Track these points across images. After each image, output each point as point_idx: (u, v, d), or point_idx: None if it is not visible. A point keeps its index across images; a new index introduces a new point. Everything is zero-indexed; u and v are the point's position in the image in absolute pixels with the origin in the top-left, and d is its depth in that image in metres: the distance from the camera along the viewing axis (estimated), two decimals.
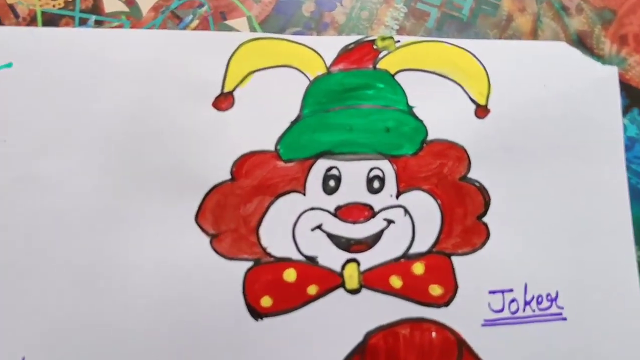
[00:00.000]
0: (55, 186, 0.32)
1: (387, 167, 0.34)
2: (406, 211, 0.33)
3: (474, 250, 0.33)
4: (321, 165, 0.34)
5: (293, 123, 0.34)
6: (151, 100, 0.34)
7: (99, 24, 0.35)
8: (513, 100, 0.35)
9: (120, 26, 0.35)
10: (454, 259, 0.33)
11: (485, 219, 0.34)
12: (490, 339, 0.32)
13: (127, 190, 0.33)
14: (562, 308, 0.33)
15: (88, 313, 0.31)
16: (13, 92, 0.34)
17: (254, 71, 0.35)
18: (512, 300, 0.33)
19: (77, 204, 0.32)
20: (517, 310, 0.33)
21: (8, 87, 0.34)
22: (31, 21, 0.35)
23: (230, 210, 0.33)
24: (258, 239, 0.33)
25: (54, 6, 0.35)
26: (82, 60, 0.34)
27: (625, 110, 0.36)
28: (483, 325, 0.32)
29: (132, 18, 0.35)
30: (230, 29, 0.36)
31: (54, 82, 0.34)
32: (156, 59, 0.34)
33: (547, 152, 0.34)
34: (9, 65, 0.34)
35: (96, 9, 0.35)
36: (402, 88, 0.35)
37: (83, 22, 0.35)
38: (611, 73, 0.36)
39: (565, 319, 0.33)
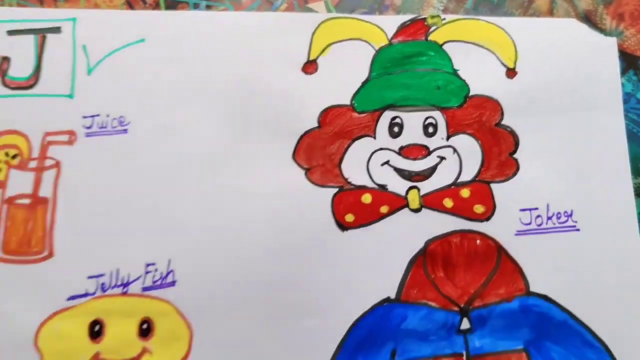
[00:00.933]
0: (184, 133, 0.42)
1: (438, 117, 0.43)
2: (454, 150, 0.43)
3: (507, 179, 0.42)
4: (387, 115, 0.43)
5: (364, 83, 0.43)
6: (254, 67, 0.43)
7: (209, 8, 0.45)
8: (534, 64, 0.44)
9: (225, 9, 0.45)
10: (492, 185, 0.42)
11: (515, 156, 0.43)
12: (521, 245, 0.41)
13: (240, 136, 0.41)
14: (575, 222, 0.42)
15: (214, 228, 0.41)
16: (146, 61, 0.43)
17: (332, 43, 0.44)
18: (538, 216, 0.42)
19: (203, 147, 0.41)
20: (541, 223, 0.41)
21: (142, 57, 0.43)
22: (156, 6, 0.45)
23: (318, 150, 0.42)
24: (341, 171, 0.42)
25: None
26: (198, 36, 0.44)
27: (623, 72, 0.45)
28: (516, 234, 0.41)
29: (235, 3, 0.45)
30: (311, 10, 0.45)
31: (177, 53, 0.43)
32: (256, 35, 0.43)
33: (562, 103, 0.43)
34: (143, 40, 0.43)
35: None
36: (448, 55, 0.44)
37: (196, 7, 0.45)
38: (611, 43, 0.45)
39: (578, 229, 0.42)
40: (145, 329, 0.39)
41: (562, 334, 0.39)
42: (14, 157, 0.40)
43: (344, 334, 0.38)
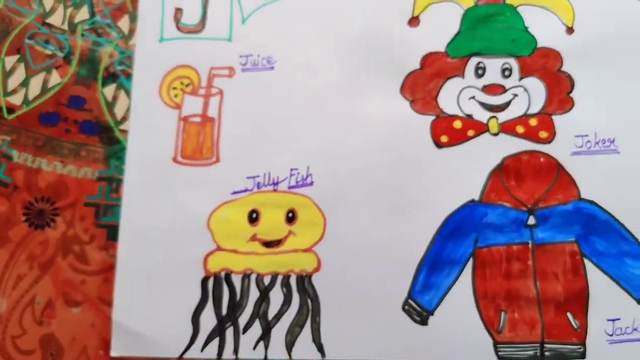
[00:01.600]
0: (318, 70, 0.53)
1: (513, 63, 0.54)
2: (525, 89, 0.52)
3: (565, 112, 0.52)
4: (473, 61, 0.53)
5: (455, 35, 0.52)
6: (372, 21, 0.53)
7: None
8: (589, 24, 0.52)
9: None
10: (554, 117, 0.51)
11: (572, 95, 0.52)
12: (575, 163, 0.49)
13: (361, 74, 0.51)
14: (617, 146, 0.50)
15: (342, 143, 0.51)
16: (289, 13, 0.53)
17: (431, 4, 0.54)
18: (588, 141, 0.51)
19: (333, 81, 0.52)
20: (590, 147, 0.51)
21: (286, 10, 0.53)
22: None
23: (420, 87, 0.52)
24: (437, 103, 0.53)
25: None
26: None
27: None
28: (571, 155, 0.51)
29: None
30: None
31: (313, 8, 0.53)
32: None
33: (610, 55, 0.51)
34: None
35: None
36: (521, 15, 0.55)
37: None
38: None
39: (618, 152, 0.50)
40: (291, 217, 0.49)
41: (604, 231, 0.49)
42: (187, 85, 0.52)
43: (439, 225, 0.48)
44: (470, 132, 0.50)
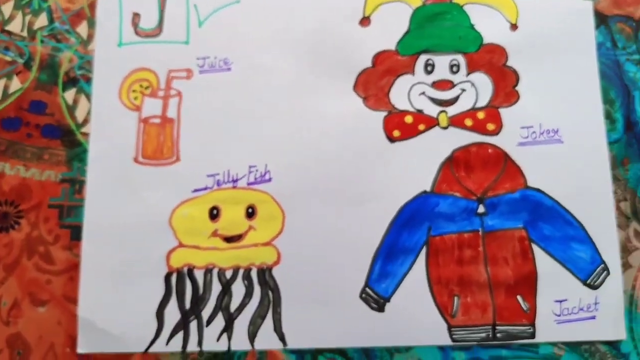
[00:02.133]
0: (273, 70, 0.54)
1: (461, 59, 0.55)
2: (472, 84, 0.54)
3: (511, 105, 0.54)
4: (422, 58, 0.54)
5: (405, 34, 0.54)
6: (323, 22, 0.54)
7: None
8: (531, 21, 0.54)
9: None
10: (501, 109, 0.53)
11: (517, 88, 0.53)
12: (521, 153, 0.51)
13: (314, 72, 0.53)
14: (560, 136, 0.52)
15: (298, 139, 0.52)
16: (242, 17, 0.55)
17: (381, 4, 0.55)
18: (533, 132, 0.52)
19: (286, 80, 0.53)
20: (536, 137, 0.53)
21: (239, 14, 0.54)
22: None
23: (372, 84, 0.53)
24: (389, 99, 0.55)
25: None
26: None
27: (597, 26, 0.54)
28: (517, 145, 0.52)
29: None
30: None
31: (264, 11, 0.54)
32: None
33: (551, 49, 0.52)
34: (238, 1, 0.56)
35: None
36: (467, 13, 0.56)
37: None
38: (588, 5, 0.54)
39: (562, 142, 0.52)
40: (251, 212, 0.50)
41: (550, 216, 0.51)
42: (146, 88, 0.53)
43: (393, 215, 0.50)
44: (421, 126, 0.52)
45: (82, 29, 0.51)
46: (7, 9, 0.51)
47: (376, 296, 0.49)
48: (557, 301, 0.49)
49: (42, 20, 0.51)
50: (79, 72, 0.50)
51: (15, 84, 0.49)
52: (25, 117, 0.50)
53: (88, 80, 0.50)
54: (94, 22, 0.52)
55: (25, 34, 0.51)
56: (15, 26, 0.51)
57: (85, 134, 0.50)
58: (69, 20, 0.51)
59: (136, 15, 0.52)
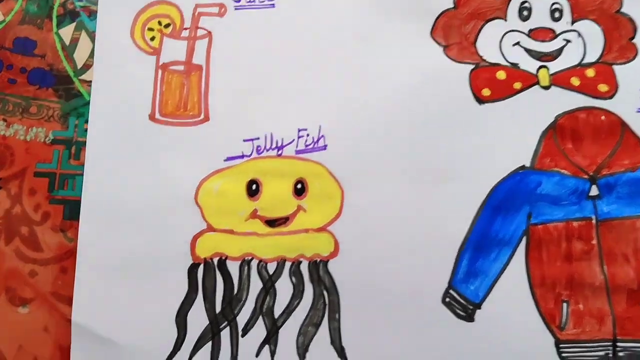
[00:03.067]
0: (328, 8, 0.43)
1: (564, 3, 0.44)
2: (579, 34, 0.44)
3: (628, 61, 0.45)
4: (516, 0, 0.45)
5: None
6: None
7: None
8: None
9: None
10: (615, 67, 0.44)
11: (634, 41, 0.45)
12: None
13: (381, 16, 0.43)
14: None
15: (360, 99, 0.42)
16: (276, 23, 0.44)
17: None
18: None
19: (347, 25, 0.43)
20: None
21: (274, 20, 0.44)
22: None
23: (455, 29, 0.43)
24: (476, 49, 0.44)
25: None
26: None
27: None
28: (637, 112, 0.44)
29: None
30: None
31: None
32: None
33: None
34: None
35: None
36: None
37: None
38: None
39: None
40: (300, 189, 0.40)
41: None
42: (166, 26, 0.42)
43: (483, 198, 0.40)
44: (517, 85, 0.42)
45: None
46: None
47: (463, 301, 0.39)
48: None
49: None
50: (79, 4, 0.42)
51: None
52: (7, 58, 0.41)
53: (91, 14, 0.42)
54: None
55: None
56: None
57: (87, 83, 0.41)
58: None
59: None
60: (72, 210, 0.40)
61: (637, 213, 0.41)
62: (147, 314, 0.39)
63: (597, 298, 0.40)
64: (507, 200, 0.40)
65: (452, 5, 0.43)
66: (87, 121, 0.41)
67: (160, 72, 0.41)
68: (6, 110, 0.40)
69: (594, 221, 0.41)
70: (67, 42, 0.42)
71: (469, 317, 0.39)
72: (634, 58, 0.43)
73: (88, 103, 0.41)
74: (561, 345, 0.39)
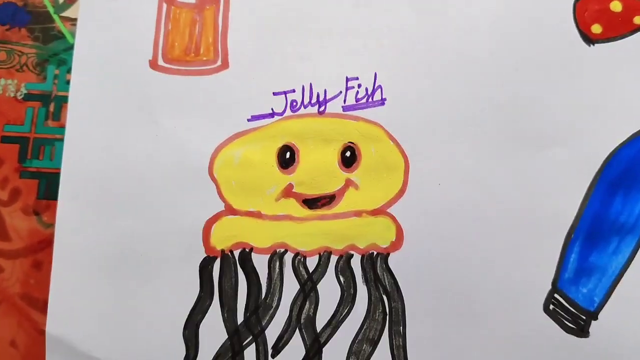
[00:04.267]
0: None
1: None
2: None
3: None
4: None
5: None
6: None
7: None
8: None
9: None
10: None
11: None
12: None
13: None
14: None
15: (428, 34, 0.33)
16: None
17: None
18: None
19: None
20: None
21: None
22: None
23: None
24: None
25: None
26: None
27: None
28: None
29: None
30: None
31: None
32: None
33: None
34: None
35: None
36: None
37: None
38: None
39: None
40: (349, 158, 0.31)
41: None
42: None
43: (598, 167, 0.32)
44: (637, 19, 0.33)
45: None
46: None
47: (573, 308, 0.31)
48: None
49: None
50: None
51: None
52: None
53: None
54: None
55: None
56: None
57: (70, 21, 0.33)
58: None
59: None
60: (49, 186, 0.32)
61: None
62: (144, 325, 0.30)
63: None
64: (630, 172, 0.32)
65: None
66: (70, 70, 0.32)
67: (165, 5, 0.33)
68: None
69: None
70: None
71: (582, 330, 0.31)
72: None
73: (72, 47, 0.33)
74: None
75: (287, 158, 0.31)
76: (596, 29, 0.33)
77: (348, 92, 0.32)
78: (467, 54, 0.33)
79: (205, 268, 0.31)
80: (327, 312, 0.30)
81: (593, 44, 0.33)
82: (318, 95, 0.32)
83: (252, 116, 0.32)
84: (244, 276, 0.31)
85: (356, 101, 0.32)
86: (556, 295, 0.31)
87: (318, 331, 0.30)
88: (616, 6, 0.34)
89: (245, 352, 0.30)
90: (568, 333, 0.31)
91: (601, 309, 0.31)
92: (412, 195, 0.31)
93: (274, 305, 0.30)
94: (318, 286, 0.31)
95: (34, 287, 0.31)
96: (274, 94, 0.32)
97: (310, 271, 0.31)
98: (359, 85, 0.32)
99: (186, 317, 0.31)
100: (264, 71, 0.32)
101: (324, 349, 0.30)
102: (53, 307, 0.31)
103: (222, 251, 0.31)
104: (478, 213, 0.31)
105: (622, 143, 0.32)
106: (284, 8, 0.33)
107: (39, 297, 0.31)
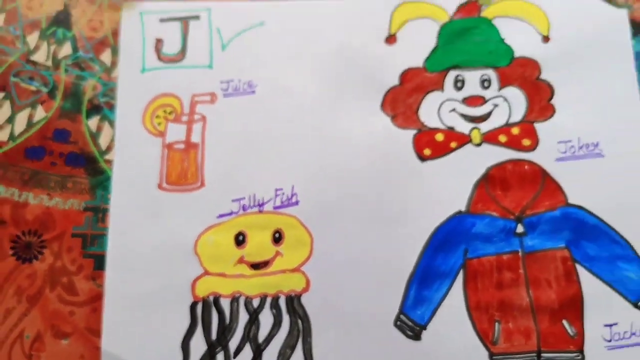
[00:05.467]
0: (298, 92, 0.51)
1: (492, 74, 0.52)
2: (505, 99, 0.51)
3: (547, 119, 0.51)
4: (452, 74, 0.51)
5: (433, 50, 0.52)
6: (349, 41, 0.51)
7: None
8: (563, 32, 0.51)
9: None
10: (536, 124, 0.50)
11: (552, 102, 0.51)
12: (560, 169, 0.48)
13: (340, 93, 0.50)
14: (601, 150, 0.49)
15: (326, 161, 0.49)
16: (266, 38, 0.52)
17: (407, 20, 0.53)
18: (572, 147, 0.49)
19: (312, 102, 0.50)
20: (575, 152, 0.50)
21: (263, 36, 0.52)
22: None
23: (400, 102, 0.51)
24: (418, 117, 0.51)
25: None
26: (304, 19, 0.53)
27: (633, 35, 0.51)
28: (555, 161, 0.49)
29: None
30: None
31: (289, 32, 0.52)
32: (349, 16, 0.52)
33: (586, 60, 0.50)
34: (262, 23, 0.52)
35: None
36: (496, 27, 0.54)
37: None
38: (623, 14, 0.53)
39: (603, 156, 0.48)
40: (278, 237, 0.47)
41: (594, 235, 0.47)
42: (170, 113, 0.50)
43: (427, 238, 0.46)
44: (453, 144, 0.49)
45: (106, 56, 0.50)
46: (33, 39, 0.50)
47: (412, 323, 0.46)
48: (606, 325, 0.45)
49: (66, 49, 0.50)
50: (103, 100, 0.48)
51: (40, 113, 0.48)
52: (49, 145, 0.48)
53: (111, 107, 0.49)
54: (117, 50, 0.50)
55: (49, 63, 0.49)
56: (40, 56, 0.49)
57: (109, 162, 0.48)
58: (92, 49, 0.50)
59: (159, 41, 0.50)
60: (100, 262, 0.46)
61: (557, 246, 0.47)
62: (158, 341, 0.45)
63: (524, 317, 0.46)
64: (447, 239, 0.46)
65: (397, 82, 0.51)
66: (110, 192, 0.47)
67: (165, 150, 0.48)
68: (49, 187, 0.48)
69: (520, 254, 0.47)
70: (94, 130, 0.48)
71: (417, 337, 0.45)
72: (551, 116, 0.50)
73: (110, 178, 0.48)
74: (494, 358, 0.46)
75: (240, 240, 0.47)
76: (427, 151, 0.48)
77: (276, 197, 0.48)
78: (349, 171, 0.47)
79: (193, 308, 0.45)
80: (265, 332, 0.45)
81: (424, 161, 0.48)
82: (258, 200, 0.49)
83: (219, 214, 0.47)
84: (216, 312, 0.45)
85: (281, 203, 0.47)
86: (401, 316, 0.45)
87: (260, 342, 0.44)
88: (439, 137, 0.50)
89: (217, 356, 0.44)
90: (408, 339, 0.45)
91: (429, 323, 0.45)
92: (315, 259, 0.46)
93: (233, 328, 0.44)
94: (260, 316, 0.44)
95: (93, 322, 0.44)
96: (232, 200, 0.47)
97: (255, 307, 0.45)
98: (283, 193, 0.47)
99: (183, 336, 0.45)
100: (226, 187, 0.48)
101: (263, 353, 0.44)
102: (105, 333, 0.45)
103: (203, 298, 0.45)
104: (355, 267, 0.45)
105: (442, 222, 0.47)
106: (238, 149, 0.49)
107: (96, 328, 0.44)
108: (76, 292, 0.46)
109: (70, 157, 0.48)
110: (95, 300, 0.46)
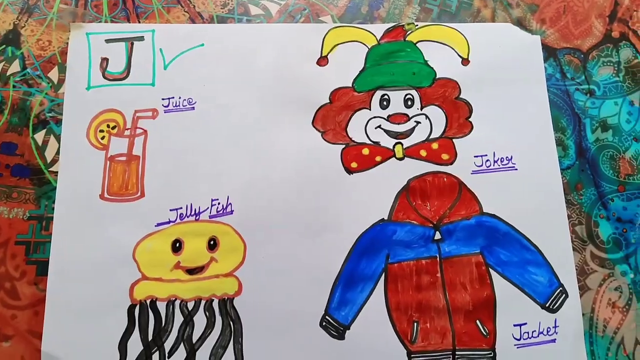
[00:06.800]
0: (234, 108, 0.54)
1: (415, 94, 0.56)
2: (427, 117, 0.55)
3: (464, 135, 0.55)
4: (378, 93, 0.55)
5: (361, 71, 0.55)
6: (283, 62, 0.55)
7: (248, 21, 0.60)
8: (482, 56, 0.56)
9: (260, 22, 0.59)
10: (455, 140, 0.54)
11: (470, 119, 0.55)
12: (476, 181, 0.52)
13: (274, 110, 0.53)
14: (514, 164, 0.54)
15: (259, 174, 0.52)
16: (206, 59, 0.56)
17: (337, 44, 0.56)
18: (487, 160, 0.54)
19: (248, 118, 0.53)
20: (490, 165, 0.54)
21: (203, 56, 0.56)
22: (211, 20, 0.59)
23: (330, 119, 0.54)
24: (347, 133, 0.54)
25: (222, 11, 0.60)
26: (242, 41, 0.57)
27: (545, 59, 0.57)
28: (471, 173, 0.53)
29: (267, 17, 0.59)
30: (321, 22, 0.59)
31: (227, 53, 0.57)
32: (283, 39, 0.56)
33: (502, 81, 0.55)
34: (202, 44, 0.56)
35: (246, 12, 0.60)
36: (420, 50, 0.58)
37: (240, 21, 0.60)
38: (536, 39, 0.57)
39: (516, 169, 0.53)
40: (212, 244, 0.49)
41: (506, 241, 0.51)
42: (113, 127, 0.53)
43: (352, 244, 0.49)
44: (378, 158, 0.52)
45: (53, 74, 0.52)
46: None
47: (336, 324, 0.48)
48: (516, 325, 0.48)
49: (15, 66, 0.52)
50: (49, 115, 0.51)
51: None
52: None
53: (58, 122, 0.51)
54: (64, 68, 0.52)
55: None
56: None
57: (54, 173, 0.50)
58: (40, 67, 0.52)
59: (104, 60, 0.53)
60: (43, 268, 0.48)
61: (472, 251, 0.51)
62: (97, 343, 0.46)
63: (441, 318, 0.49)
64: (370, 245, 0.50)
65: (328, 101, 0.54)
66: (54, 202, 0.49)
67: (108, 162, 0.50)
68: None
69: (438, 259, 0.50)
70: (40, 144, 0.50)
71: (341, 337, 0.48)
72: (469, 132, 0.54)
73: (55, 188, 0.49)
74: (412, 356, 0.49)
75: (177, 246, 0.50)
76: (354, 164, 0.52)
77: (212, 207, 0.51)
78: (281, 183, 0.50)
79: (130, 310, 0.47)
80: (198, 332, 0.47)
81: (351, 174, 0.52)
82: (195, 210, 0.52)
83: (157, 223, 0.49)
84: (152, 314, 0.47)
85: (217, 212, 0.51)
86: (327, 317, 0.47)
87: (194, 342, 0.46)
88: (365, 151, 0.53)
89: (153, 356, 0.46)
90: (333, 338, 0.47)
91: (352, 323, 0.47)
92: (248, 264, 0.49)
93: (168, 329, 0.46)
94: (194, 318, 0.47)
95: (35, 325, 0.46)
96: (170, 210, 0.50)
97: (189, 310, 0.47)
98: (219, 203, 0.50)
99: (120, 337, 0.46)
100: (165, 197, 0.50)
101: (197, 352, 0.46)
102: (45, 336, 0.46)
103: (140, 301, 0.47)
104: (285, 272, 0.48)
105: (366, 229, 0.50)
106: (177, 161, 0.51)
107: (38, 330, 0.46)
108: (18, 297, 0.47)
109: (16, 169, 0.50)
110: (38, 304, 0.47)
